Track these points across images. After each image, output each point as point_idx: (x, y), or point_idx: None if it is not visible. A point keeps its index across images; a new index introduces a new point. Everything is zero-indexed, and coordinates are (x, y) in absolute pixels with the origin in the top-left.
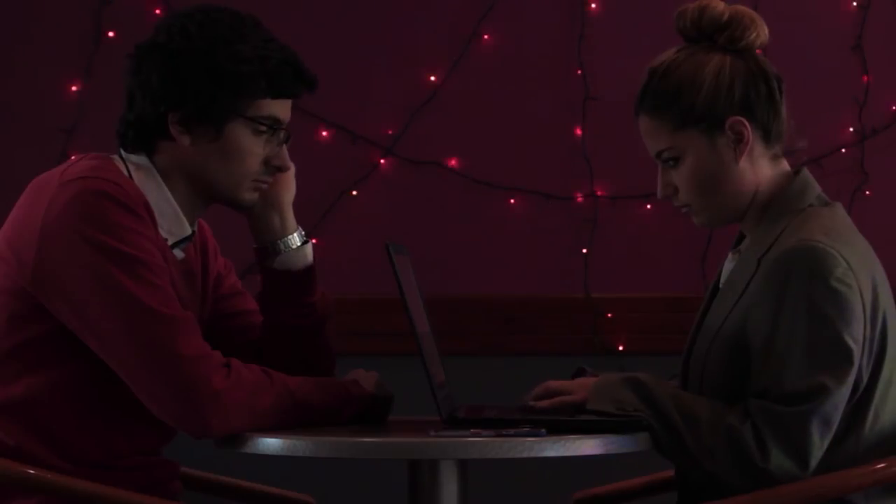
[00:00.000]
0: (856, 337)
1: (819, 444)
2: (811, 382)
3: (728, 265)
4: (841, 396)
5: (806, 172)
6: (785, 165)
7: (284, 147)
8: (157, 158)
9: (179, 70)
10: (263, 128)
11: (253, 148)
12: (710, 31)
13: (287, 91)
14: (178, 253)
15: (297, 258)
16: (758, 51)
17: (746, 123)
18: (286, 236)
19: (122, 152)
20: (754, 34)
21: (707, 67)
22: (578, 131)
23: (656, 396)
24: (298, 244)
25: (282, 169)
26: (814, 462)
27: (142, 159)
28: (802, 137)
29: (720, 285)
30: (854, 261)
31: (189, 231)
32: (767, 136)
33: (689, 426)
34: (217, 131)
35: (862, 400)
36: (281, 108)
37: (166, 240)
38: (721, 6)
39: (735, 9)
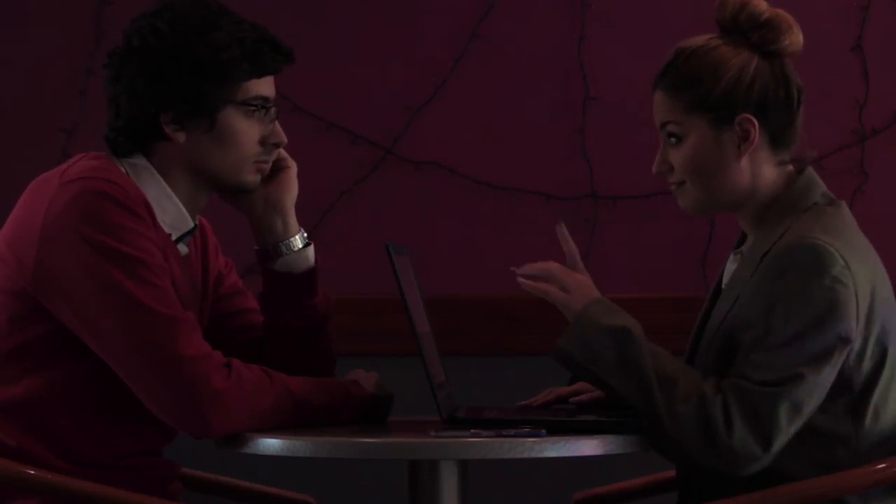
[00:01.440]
0: (843, 336)
1: (785, 429)
2: (789, 371)
3: (730, 266)
4: (814, 386)
5: (811, 171)
6: (789, 168)
7: (277, 123)
8: (153, 159)
9: (162, 70)
10: (254, 108)
11: (248, 130)
12: (746, 27)
13: (269, 68)
14: (182, 248)
15: (299, 260)
16: (790, 57)
17: (756, 123)
18: (288, 239)
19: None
20: (788, 40)
21: (732, 61)
22: (579, 131)
23: (636, 352)
24: (300, 246)
25: (279, 144)
26: (777, 445)
27: (139, 159)
28: (812, 150)
29: (722, 286)
30: (853, 260)
31: (192, 224)
32: (776, 142)
33: (664, 389)
34: (211, 122)
35: (862, 400)
36: (265, 86)
37: (170, 235)
38: (763, 5)
39: (776, 11)
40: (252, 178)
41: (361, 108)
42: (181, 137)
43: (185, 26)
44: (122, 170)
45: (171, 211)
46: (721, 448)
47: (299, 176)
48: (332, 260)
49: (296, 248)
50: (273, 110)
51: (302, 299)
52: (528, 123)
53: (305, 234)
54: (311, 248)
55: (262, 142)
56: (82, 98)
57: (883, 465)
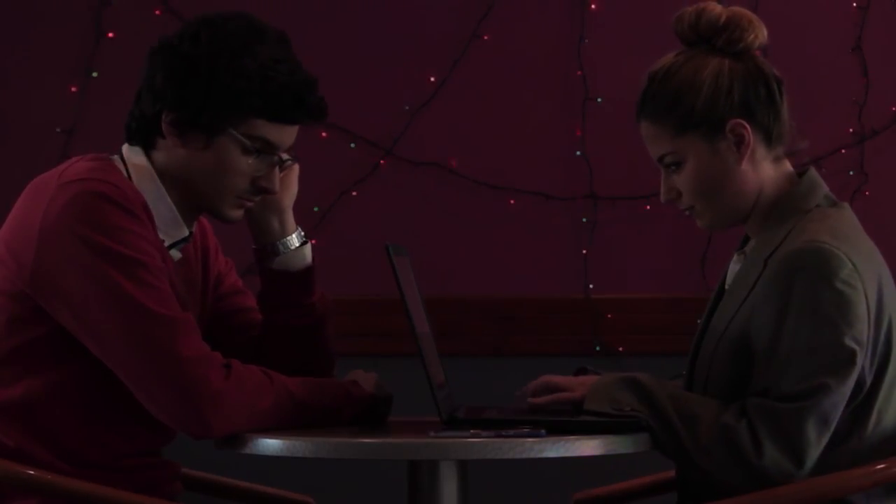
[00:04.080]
0: (859, 339)
1: (816, 443)
2: (812, 383)
3: (734, 267)
4: (840, 396)
5: (813, 172)
6: (788, 167)
7: (276, 170)
8: (155, 156)
9: (180, 75)
10: (253, 147)
11: (240, 165)
12: (708, 34)
13: (283, 116)
14: (175, 253)
15: (296, 259)
16: (757, 52)
17: (747, 125)
18: (285, 237)
19: (123, 152)
20: (752, 35)
21: (706, 71)
22: (578, 131)
23: (655, 396)
24: (297, 245)
25: (268, 191)
26: (809, 461)
27: (141, 159)
28: (803, 138)
29: (726, 287)
30: (860, 262)
31: (186, 232)
32: (769, 138)
33: (687, 425)
34: (207, 141)
35: (865, 401)
36: (277, 133)
37: (163, 241)
38: (718, 9)
39: (733, 11)
40: (232, 212)
41: (361, 108)
42: (176, 142)
43: (223, 44)
44: (122, 171)
45: (167, 217)
46: (754, 472)
47: (299, 176)
48: (331, 260)
49: (293, 247)
50: (276, 158)
51: (300, 297)
52: (527, 123)
53: (303, 233)
54: (308, 247)
55: (253, 182)
56: (82, 98)
57: (883, 466)
